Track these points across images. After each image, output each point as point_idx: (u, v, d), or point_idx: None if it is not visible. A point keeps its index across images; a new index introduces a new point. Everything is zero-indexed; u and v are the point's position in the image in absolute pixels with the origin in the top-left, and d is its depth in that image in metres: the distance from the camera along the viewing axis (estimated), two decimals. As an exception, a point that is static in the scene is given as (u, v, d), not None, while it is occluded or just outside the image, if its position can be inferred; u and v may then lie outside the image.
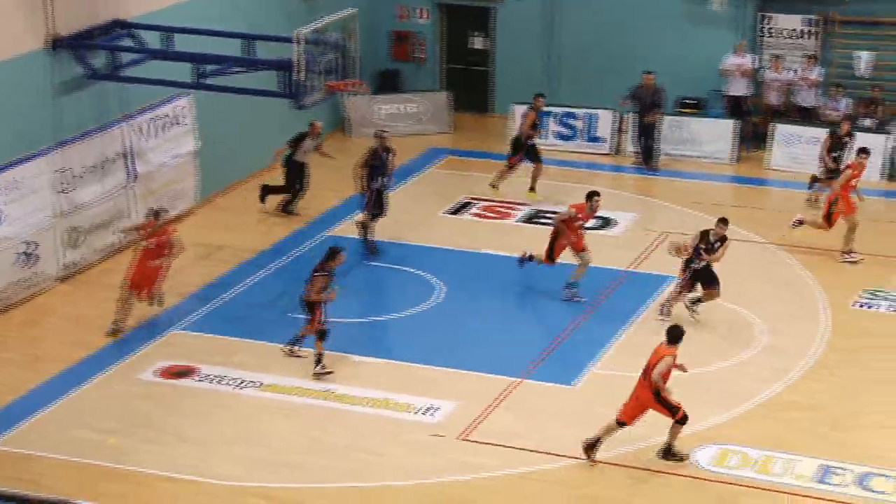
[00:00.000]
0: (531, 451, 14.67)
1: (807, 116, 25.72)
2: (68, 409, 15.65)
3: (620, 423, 14.49)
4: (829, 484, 13.96)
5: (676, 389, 15.82)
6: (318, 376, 16.32)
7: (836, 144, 22.92)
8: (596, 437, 14.48)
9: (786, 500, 13.75)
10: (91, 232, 19.88)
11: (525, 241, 20.94)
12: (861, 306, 18.71)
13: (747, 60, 25.97)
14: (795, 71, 25.99)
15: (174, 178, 21.66)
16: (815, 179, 22.98)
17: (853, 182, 20.55)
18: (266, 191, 22.46)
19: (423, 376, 16.51)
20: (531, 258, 19.22)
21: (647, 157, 25.19)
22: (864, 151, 21.12)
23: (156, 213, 17.93)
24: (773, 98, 26.08)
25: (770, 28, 26.37)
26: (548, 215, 22.39)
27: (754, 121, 26.05)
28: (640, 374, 14.49)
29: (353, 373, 16.53)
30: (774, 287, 19.39)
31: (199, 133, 21.89)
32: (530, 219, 22.45)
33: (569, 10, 27.21)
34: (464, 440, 14.97)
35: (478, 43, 28.44)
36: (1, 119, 18.28)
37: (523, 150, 23.23)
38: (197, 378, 16.40)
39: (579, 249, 18.96)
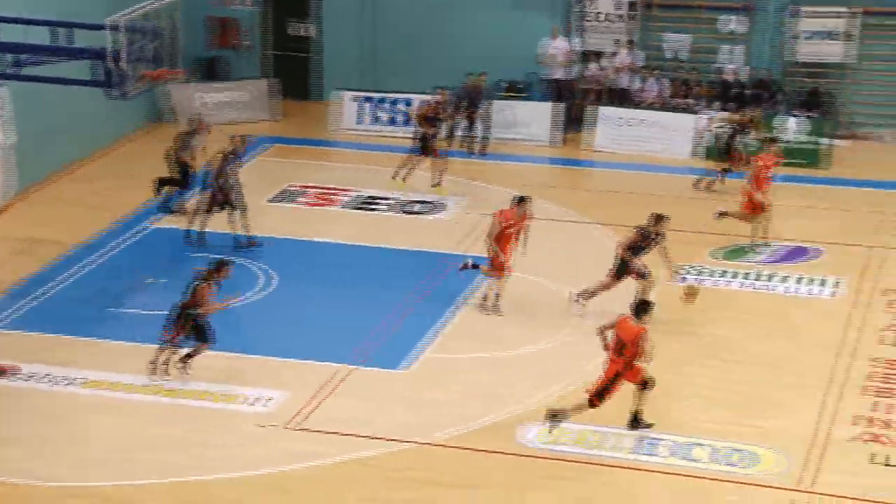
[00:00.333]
0: (364, 437, 14.74)
1: (624, 99, 26.41)
2: None
3: (592, 404, 14.61)
4: (652, 455, 14.38)
5: (507, 369, 16.14)
6: (180, 371, 15.94)
7: (737, 132, 23.37)
8: (561, 410, 14.69)
9: (609, 472, 14.12)
10: None
11: (352, 228, 21.01)
12: (678, 281, 19.26)
13: (566, 44, 26.52)
14: (613, 54, 26.66)
15: (-16, 172, 21.04)
16: (725, 169, 23.32)
17: (767, 174, 20.64)
18: (162, 182, 21.68)
19: (255, 366, 16.40)
20: (475, 266, 18.44)
21: (474, 144, 25.59)
22: (772, 141, 21.35)
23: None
24: (591, 81, 26.72)
25: (587, 12, 26.95)
26: (378, 202, 22.52)
27: (575, 103, 26.63)
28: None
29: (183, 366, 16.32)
30: (596, 266, 19.80)
31: (13, 125, 21.25)
32: (358, 205, 22.52)
33: (392, -4, 27.40)
34: (296, 429, 14.95)
35: (301, 30, 28.32)
36: None
37: (432, 144, 22.94)
38: (16, 377, 15.96)
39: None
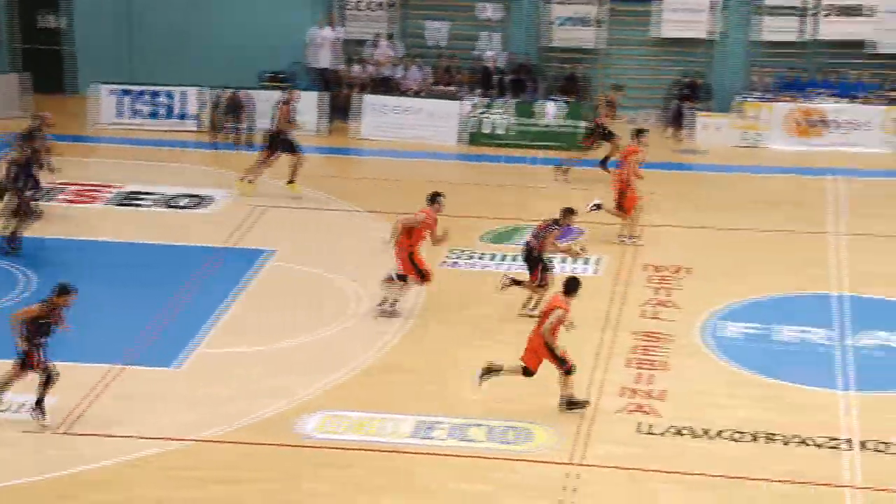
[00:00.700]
0: (139, 437, 14.40)
1: (388, 87, 26.60)
2: None
3: (526, 371, 14.91)
4: (430, 438, 14.56)
5: (283, 362, 16.05)
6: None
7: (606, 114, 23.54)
8: (498, 367, 15.04)
9: (389, 457, 14.22)
10: None
11: (116, 225, 20.46)
12: (449, 265, 19.60)
13: (333, 33, 26.54)
14: (375, 45, 26.86)
15: None
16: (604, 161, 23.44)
17: (638, 165, 20.73)
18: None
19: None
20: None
21: (240, 136, 25.36)
22: (641, 133, 21.40)
23: None
24: (356, 70, 26.80)
25: (349, 1, 27.02)
26: (142, 197, 22.02)
27: (341, 93, 26.66)
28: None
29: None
30: (370, 253, 19.90)
31: None
32: (121, 202, 21.95)
33: (148, -14, 26.81)
34: (67, 434, 14.48)
35: (51, 22, 27.38)
36: None
37: (279, 144, 22.24)
38: None
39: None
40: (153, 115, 26.05)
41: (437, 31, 27.22)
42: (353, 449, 14.34)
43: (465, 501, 13.40)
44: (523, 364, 15.12)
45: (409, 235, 17.52)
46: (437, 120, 25.82)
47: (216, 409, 15.11)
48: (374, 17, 27.03)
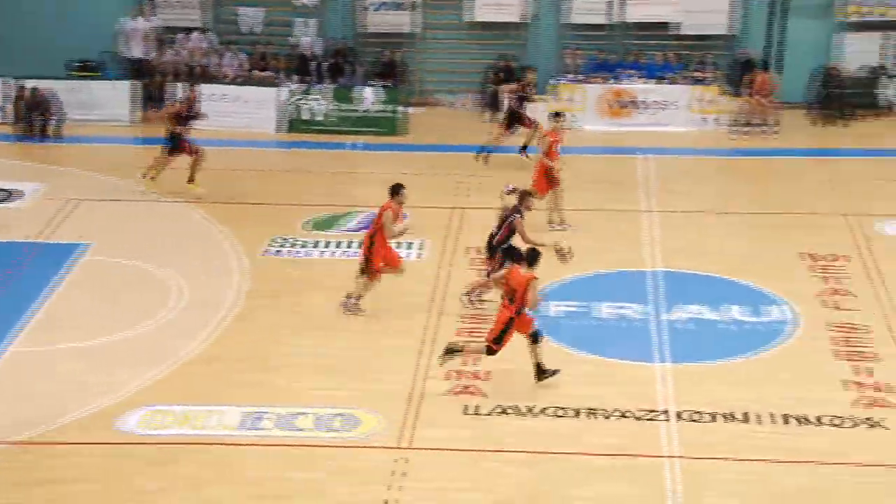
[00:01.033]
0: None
1: (204, 75, 26.21)
2: None
3: (490, 350, 14.97)
4: (257, 429, 14.46)
5: (101, 358, 15.71)
6: None
7: (522, 99, 23.35)
8: (459, 346, 15.31)
9: (216, 450, 14.08)
10: None
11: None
12: (272, 253, 19.45)
13: (144, 23, 26.04)
14: (187, 35, 26.50)
15: None
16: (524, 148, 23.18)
17: (557, 147, 20.56)
18: None
19: None
20: (358, 299, 17.35)
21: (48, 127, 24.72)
22: (558, 116, 21.17)
23: None
24: (169, 58, 26.36)
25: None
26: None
27: (154, 82, 26.15)
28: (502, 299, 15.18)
29: None
30: (187, 242, 19.63)
31: None
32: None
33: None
34: None
35: None
36: None
37: (181, 142, 21.47)
38: None
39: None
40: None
41: (251, 18, 26.93)
42: (179, 443, 14.13)
43: (295, 490, 13.36)
44: (487, 345, 15.20)
45: (373, 232, 17.21)
46: (255, 107, 25.54)
47: (34, 408, 14.69)
48: (187, 4, 26.57)
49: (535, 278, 15.13)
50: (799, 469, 13.63)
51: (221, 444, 14.16)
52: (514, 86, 24.08)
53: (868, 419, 14.56)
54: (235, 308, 17.56)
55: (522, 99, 23.59)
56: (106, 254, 18.87)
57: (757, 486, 13.34)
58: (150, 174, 21.70)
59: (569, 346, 16.49)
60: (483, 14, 27.09)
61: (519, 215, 17.25)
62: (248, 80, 26.05)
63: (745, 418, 14.63)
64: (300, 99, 25.31)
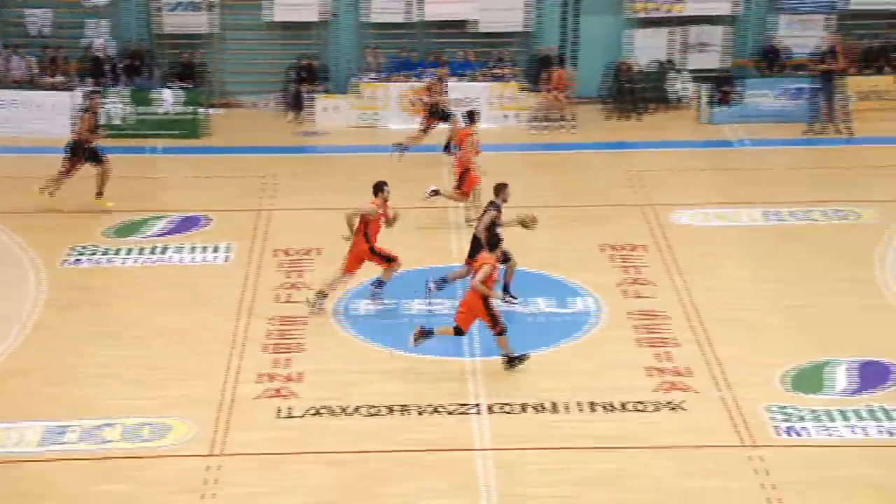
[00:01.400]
0: None
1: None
2: None
3: (457, 330, 15.39)
4: (62, 443, 14.05)
5: None
6: None
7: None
8: (430, 330, 15.57)
9: (18, 468, 13.61)
10: None
11: None
12: (71, 263, 18.92)
13: None
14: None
15: None
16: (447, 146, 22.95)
17: (476, 146, 20.44)
18: None
19: None
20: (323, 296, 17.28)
21: None
22: (473, 115, 21.14)
23: None
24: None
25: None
26: None
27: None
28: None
29: None
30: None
31: None
32: None
33: None
34: None
35: None
36: None
37: (82, 155, 20.42)
38: None
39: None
40: None
41: (39, 19, 26.10)
42: (-19, 463, 13.63)
43: (107, 503, 13.06)
44: (455, 324, 15.51)
45: (364, 229, 17.11)
46: (49, 112, 24.77)
47: None
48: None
49: (489, 263, 15.44)
50: (607, 454, 13.99)
51: (24, 461, 13.71)
52: (427, 82, 24.35)
53: (669, 403, 15.05)
54: (32, 320, 17.02)
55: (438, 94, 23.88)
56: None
57: (567, 473, 13.64)
58: (48, 189, 20.78)
59: (381, 344, 16.53)
60: (282, 14, 26.92)
61: (494, 208, 17.22)
62: (38, 85, 25.25)
63: (554, 408, 14.94)
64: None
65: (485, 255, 15.84)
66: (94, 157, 20.94)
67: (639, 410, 14.89)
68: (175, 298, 17.84)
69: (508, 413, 14.86)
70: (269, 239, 20.12)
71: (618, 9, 27.20)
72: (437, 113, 23.78)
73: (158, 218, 20.66)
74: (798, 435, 14.28)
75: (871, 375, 15.51)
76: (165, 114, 25.00)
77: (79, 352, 16.16)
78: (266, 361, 16.06)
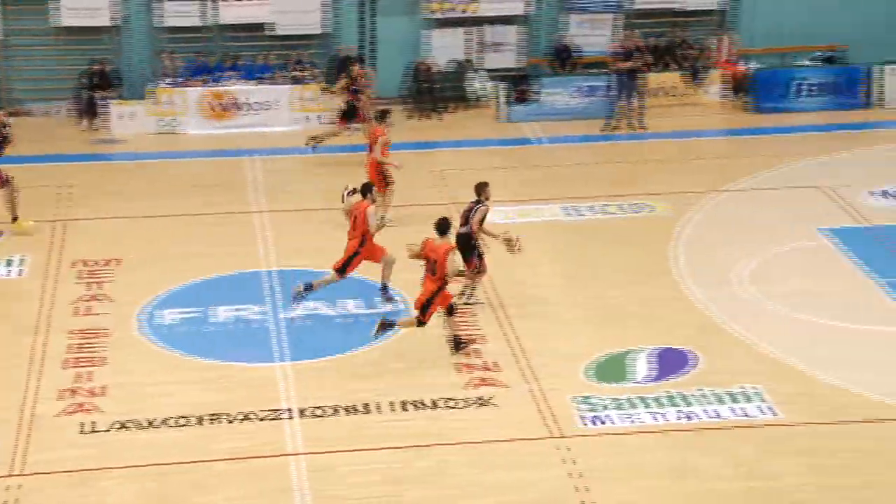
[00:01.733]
0: None
1: None
2: None
3: (420, 322, 15.79)
4: None
5: None
6: None
7: (357, 92, 23.37)
8: (391, 321, 15.91)
9: None
10: None
11: None
12: None
13: None
14: None
15: None
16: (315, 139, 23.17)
17: (388, 147, 20.35)
18: None
19: None
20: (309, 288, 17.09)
21: None
22: (385, 115, 21.07)
23: None
24: None
25: None
26: None
27: None
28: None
29: None
30: None
31: None
32: None
33: None
34: None
35: None
36: None
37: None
38: None
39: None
40: None
41: None
42: None
43: None
44: (417, 317, 15.85)
45: (355, 227, 17.19)
46: None
47: None
48: None
49: (454, 248, 15.75)
50: (421, 452, 14.09)
51: None
52: (343, 81, 24.20)
53: (479, 398, 15.25)
54: None
55: (357, 91, 23.71)
56: None
57: (381, 473, 13.68)
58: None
59: (188, 353, 16.27)
60: (70, 18, 26.16)
61: (481, 205, 17.21)
62: None
63: (367, 409, 14.96)
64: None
65: (441, 241, 15.85)
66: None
67: (450, 407, 15.04)
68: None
69: (321, 416, 14.81)
70: (66, 250, 19.55)
71: (414, 9, 27.40)
72: (353, 110, 23.85)
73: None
74: (603, 424, 14.67)
75: (669, 363, 16.05)
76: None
77: None
78: (67, 376, 15.61)
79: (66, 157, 23.45)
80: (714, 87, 27.33)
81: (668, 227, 20.48)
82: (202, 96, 25.86)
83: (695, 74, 27.28)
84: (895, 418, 14.72)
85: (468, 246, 17.21)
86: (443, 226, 16.05)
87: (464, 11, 27.44)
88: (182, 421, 14.62)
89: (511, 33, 27.64)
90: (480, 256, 17.37)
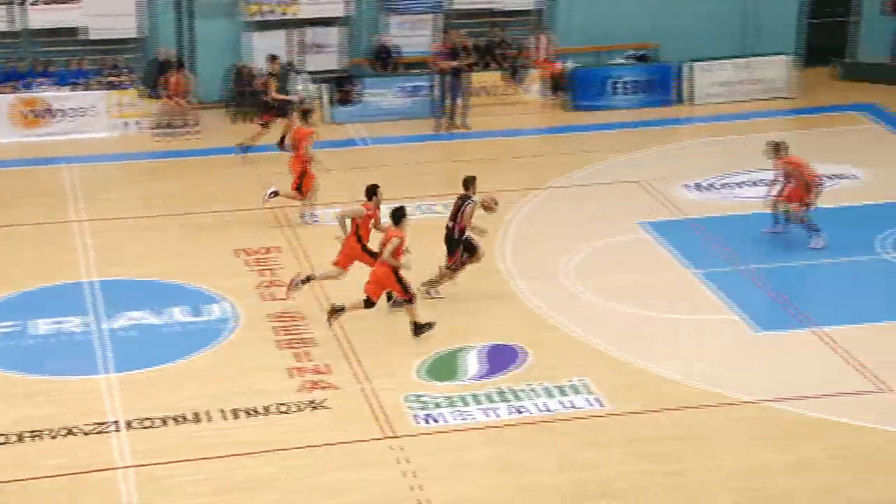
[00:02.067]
0: None
1: None
2: None
3: (368, 302, 16.17)
4: None
5: None
6: None
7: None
8: (341, 306, 16.26)
9: None
10: None
11: None
12: None
13: None
14: None
15: None
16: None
17: (311, 145, 20.51)
18: None
19: None
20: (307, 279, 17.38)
21: None
22: (307, 114, 21.28)
23: None
24: None
25: None
26: None
27: None
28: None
29: None
30: None
31: None
32: None
33: None
34: None
35: None
36: None
37: None
38: None
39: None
40: None
41: None
42: None
43: None
44: (366, 296, 16.18)
45: (356, 231, 17.21)
46: None
47: None
48: None
49: (398, 236, 16.11)
50: (254, 459, 13.92)
51: None
52: (262, 80, 24.49)
53: (312, 402, 15.15)
54: None
55: (277, 89, 23.87)
56: None
57: (214, 482, 13.47)
58: None
59: (6, 369, 15.75)
60: None
61: (470, 202, 17.42)
62: None
63: (196, 418, 14.72)
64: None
65: (393, 229, 16.26)
66: None
67: (283, 412, 14.90)
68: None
69: (149, 428, 14.50)
70: None
71: (232, 11, 27.06)
72: (275, 108, 23.73)
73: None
74: (435, 422, 14.74)
75: (499, 359, 16.22)
76: None
77: None
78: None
79: None
80: (534, 85, 27.73)
81: (495, 225, 20.71)
82: (13, 103, 25.05)
83: (514, 73, 27.65)
84: (712, 404, 15.18)
85: (453, 240, 17.62)
86: (396, 215, 16.48)
87: (283, 13, 27.23)
88: (1, 439, 14.12)
89: (332, 34, 27.55)
90: (470, 250, 17.64)
